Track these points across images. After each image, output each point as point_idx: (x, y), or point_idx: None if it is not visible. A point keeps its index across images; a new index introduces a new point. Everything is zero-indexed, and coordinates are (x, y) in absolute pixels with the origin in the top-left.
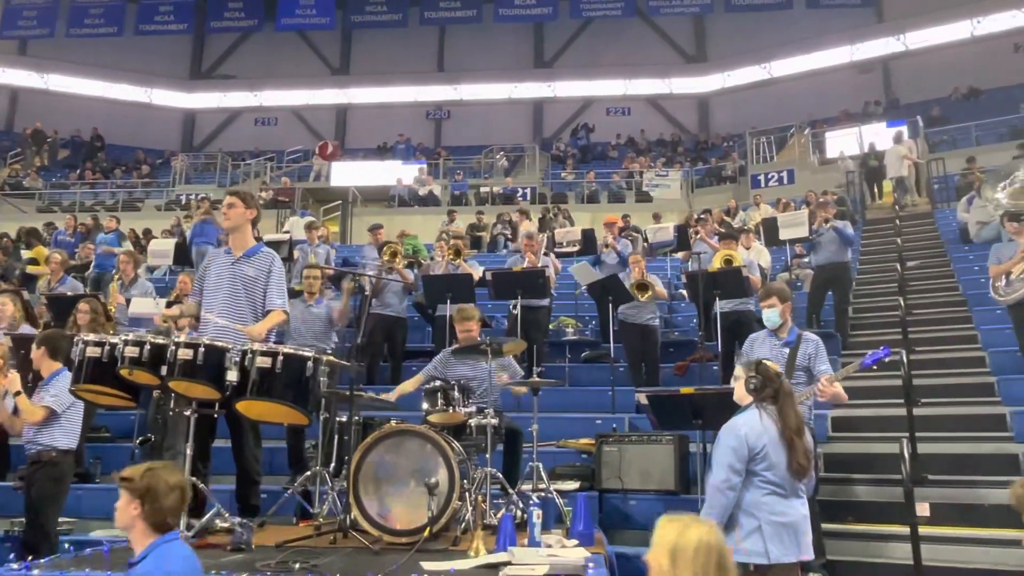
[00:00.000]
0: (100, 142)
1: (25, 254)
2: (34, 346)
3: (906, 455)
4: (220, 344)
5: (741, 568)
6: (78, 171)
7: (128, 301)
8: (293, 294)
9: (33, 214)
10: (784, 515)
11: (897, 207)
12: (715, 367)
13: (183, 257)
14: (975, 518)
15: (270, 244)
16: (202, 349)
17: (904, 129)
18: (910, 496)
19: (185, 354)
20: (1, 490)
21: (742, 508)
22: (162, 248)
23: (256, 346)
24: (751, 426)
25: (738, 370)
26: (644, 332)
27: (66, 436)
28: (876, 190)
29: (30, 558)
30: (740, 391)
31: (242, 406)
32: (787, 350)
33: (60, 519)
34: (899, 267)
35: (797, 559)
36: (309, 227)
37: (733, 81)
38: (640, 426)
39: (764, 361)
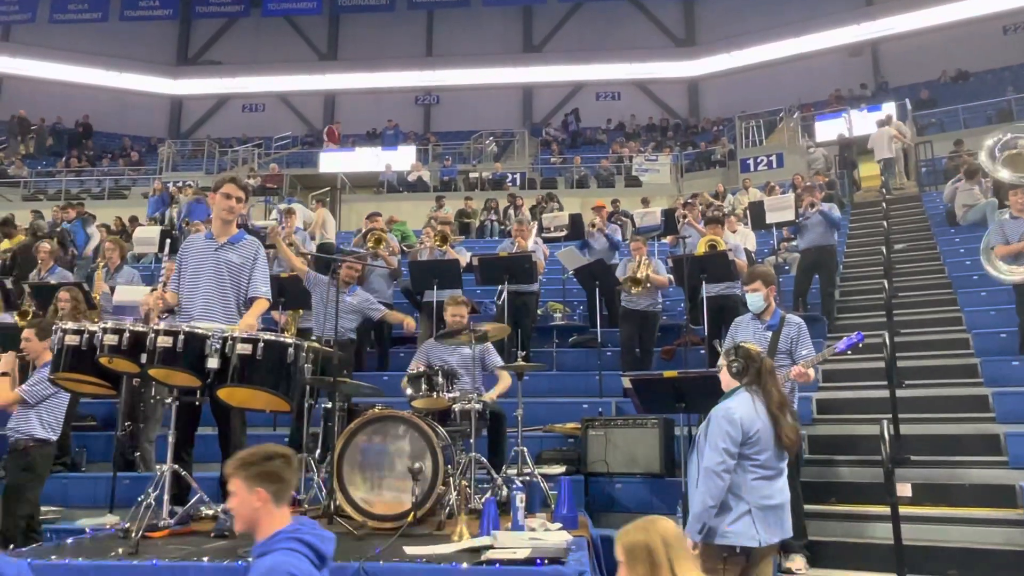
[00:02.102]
0: (86, 129)
1: (3, 244)
2: (35, 336)
3: (887, 436)
4: (200, 331)
5: (727, 550)
6: (64, 159)
7: (113, 289)
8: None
9: (19, 202)
10: (771, 498)
11: (884, 190)
12: (702, 351)
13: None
14: (956, 498)
15: (253, 230)
16: (182, 336)
17: (892, 113)
18: (890, 477)
19: (165, 341)
20: None
21: (731, 491)
22: (147, 235)
23: (237, 332)
24: (745, 410)
25: (721, 359)
26: (644, 317)
27: (44, 426)
28: (855, 177)
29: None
30: (726, 378)
31: (223, 393)
32: (770, 333)
33: (45, 508)
34: (884, 250)
35: (780, 539)
36: (288, 213)
37: (723, 65)
38: (627, 410)
39: (742, 343)
